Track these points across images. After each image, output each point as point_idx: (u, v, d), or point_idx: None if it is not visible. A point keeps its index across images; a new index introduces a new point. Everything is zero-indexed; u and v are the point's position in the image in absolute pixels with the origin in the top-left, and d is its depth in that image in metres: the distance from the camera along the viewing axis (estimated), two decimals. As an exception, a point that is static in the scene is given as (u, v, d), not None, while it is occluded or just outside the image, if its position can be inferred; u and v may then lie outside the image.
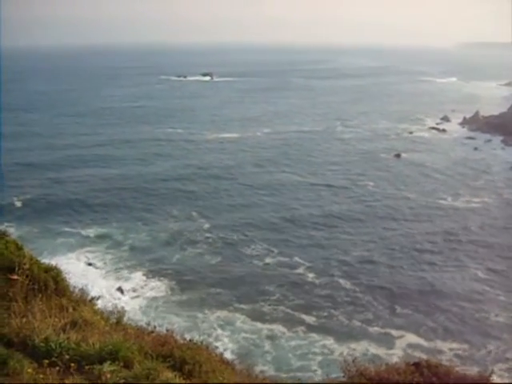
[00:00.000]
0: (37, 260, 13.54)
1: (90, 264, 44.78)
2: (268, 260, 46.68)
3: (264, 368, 30.93)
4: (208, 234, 51.84)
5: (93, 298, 14.80)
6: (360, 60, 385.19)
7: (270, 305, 38.97)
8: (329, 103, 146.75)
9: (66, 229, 52.30)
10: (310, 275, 43.60)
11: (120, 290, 40.25)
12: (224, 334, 35.13)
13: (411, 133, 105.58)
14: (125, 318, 14.17)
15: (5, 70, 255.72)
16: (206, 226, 54.06)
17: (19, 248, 13.16)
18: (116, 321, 13.50)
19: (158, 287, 41.43)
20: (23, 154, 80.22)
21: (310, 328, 36.23)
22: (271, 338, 34.98)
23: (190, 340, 13.43)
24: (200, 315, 37.42)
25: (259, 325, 36.40)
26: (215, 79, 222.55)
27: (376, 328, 36.38)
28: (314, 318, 37.30)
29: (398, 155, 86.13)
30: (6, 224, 41.13)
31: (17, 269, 11.95)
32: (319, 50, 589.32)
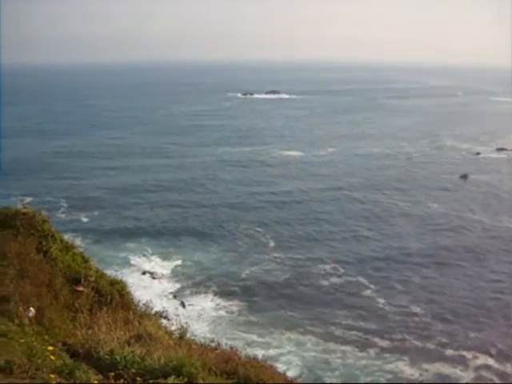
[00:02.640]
0: (103, 273, 13.65)
1: (154, 278, 45.27)
2: (334, 280, 46.09)
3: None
4: (275, 254, 51.52)
5: (157, 313, 14.82)
6: (424, 78, 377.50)
7: (341, 328, 38.32)
8: (397, 124, 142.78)
9: (131, 245, 53.28)
10: (380, 300, 42.70)
11: (183, 305, 40.40)
12: (294, 354, 34.79)
13: (478, 153, 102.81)
14: (188, 334, 14.10)
15: (73, 86, 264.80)
16: (271, 244, 54.01)
17: (85, 260, 13.33)
18: (179, 336, 13.46)
19: (224, 305, 41.35)
20: (89, 174, 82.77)
21: (383, 350, 35.70)
22: (342, 358, 34.55)
23: (254, 358, 13.23)
24: (270, 335, 37.14)
25: (331, 346, 35.90)
26: (282, 97, 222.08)
27: (450, 350, 35.72)
28: (387, 342, 36.61)
29: (465, 176, 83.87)
30: (71, 234, 41.68)
31: (83, 280, 12.08)
32: (389, 67, 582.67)
